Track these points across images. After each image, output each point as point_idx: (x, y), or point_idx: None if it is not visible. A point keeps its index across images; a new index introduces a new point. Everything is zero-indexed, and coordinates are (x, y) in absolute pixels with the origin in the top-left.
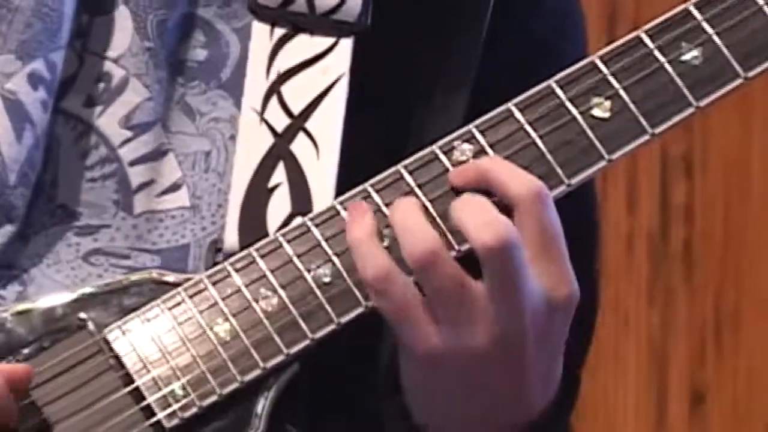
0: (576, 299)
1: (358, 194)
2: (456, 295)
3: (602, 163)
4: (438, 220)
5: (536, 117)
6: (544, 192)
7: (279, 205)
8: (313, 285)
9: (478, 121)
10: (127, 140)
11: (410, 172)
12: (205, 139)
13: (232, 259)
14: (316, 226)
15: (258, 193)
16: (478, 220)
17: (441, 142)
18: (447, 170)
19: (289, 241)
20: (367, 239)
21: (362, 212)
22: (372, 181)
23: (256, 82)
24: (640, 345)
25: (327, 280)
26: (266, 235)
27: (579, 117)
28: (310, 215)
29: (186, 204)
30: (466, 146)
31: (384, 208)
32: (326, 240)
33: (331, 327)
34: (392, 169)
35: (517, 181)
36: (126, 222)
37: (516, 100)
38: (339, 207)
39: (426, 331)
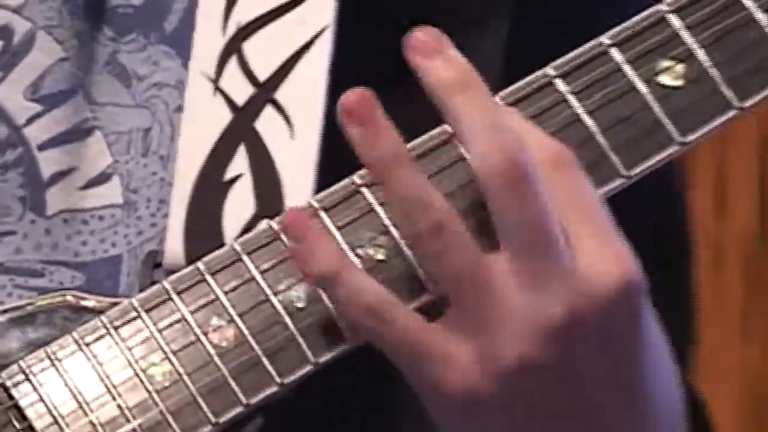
0: (636, 286)
1: (343, 189)
2: (479, 283)
3: (673, 148)
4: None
5: (583, 86)
6: (567, 157)
7: (239, 204)
8: (282, 312)
9: (505, 91)
10: (35, 116)
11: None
12: (144, 111)
13: (173, 277)
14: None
15: (211, 188)
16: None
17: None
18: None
19: (249, 253)
20: (337, 266)
21: (316, 235)
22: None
23: (207, 38)
24: (733, 390)
25: (300, 305)
26: (222, 244)
27: (641, 86)
28: (281, 218)
29: (117, 200)
30: None
31: (377, 207)
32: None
33: (306, 368)
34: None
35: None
36: (36, 226)
37: (556, 63)
38: (317, 204)
39: (452, 364)
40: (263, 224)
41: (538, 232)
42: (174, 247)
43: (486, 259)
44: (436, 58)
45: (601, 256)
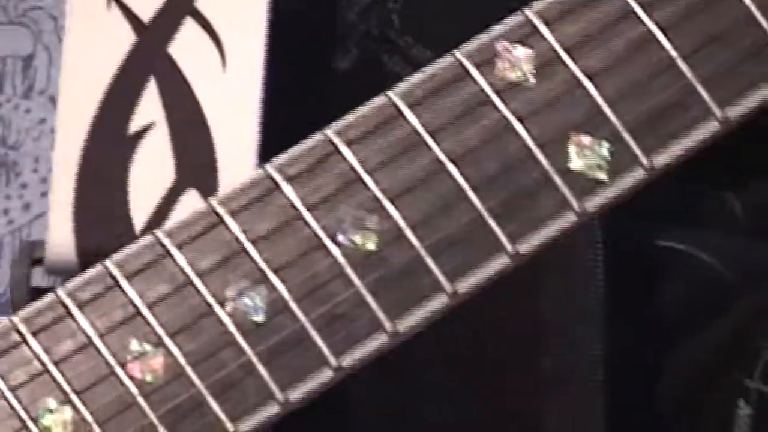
0: None
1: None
2: None
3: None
4: None
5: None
6: None
7: (152, 169)
8: (233, 329)
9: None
10: None
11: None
12: (21, 31)
13: (72, 284)
14: (234, 213)
15: (109, 145)
16: None
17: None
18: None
19: (180, 246)
20: None
21: None
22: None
23: None
24: None
25: (259, 318)
26: (131, 230)
27: None
28: (229, 192)
29: None
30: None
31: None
32: (254, 241)
33: (271, 409)
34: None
35: None
36: None
37: None
38: (274, 172)
39: None
40: (191, 198)
41: None
42: (59, 235)
43: None
44: None
45: None
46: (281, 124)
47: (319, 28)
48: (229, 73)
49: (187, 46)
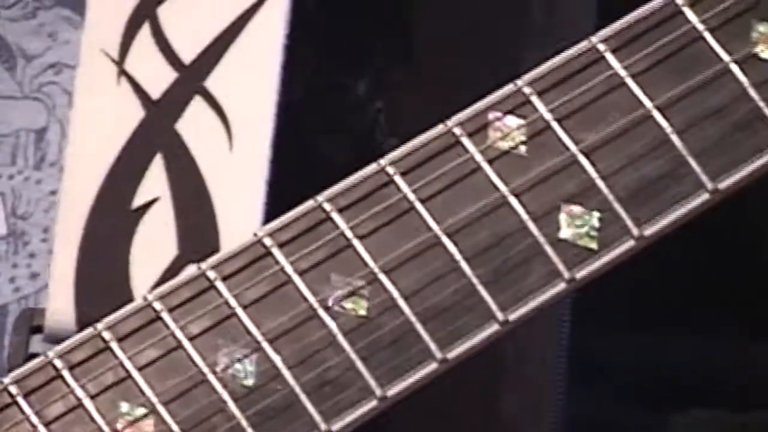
0: None
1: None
2: None
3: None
4: None
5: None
6: None
7: (154, 242)
8: (225, 394)
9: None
10: None
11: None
12: (35, 105)
13: (62, 346)
14: (225, 278)
15: (113, 218)
16: None
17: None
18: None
19: (171, 309)
20: None
21: None
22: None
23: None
24: None
25: (249, 382)
26: (130, 298)
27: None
28: (219, 256)
29: (1, 231)
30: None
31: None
32: (245, 306)
33: None
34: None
35: None
36: None
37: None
38: (266, 237)
39: None
40: (191, 269)
41: None
42: (59, 303)
43: None
44: None
45: None
46: (285, 205)
47: (324, 115)
48: (235, 152)
49: (194, 124)
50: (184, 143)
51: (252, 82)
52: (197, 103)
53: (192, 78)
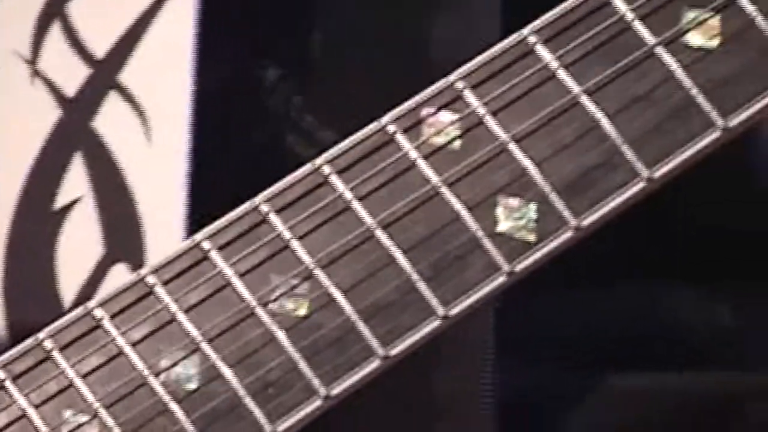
0: None
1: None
2: None
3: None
4: None
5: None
6: None
7: (80, 242)
8: (167, 397)
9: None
10: None
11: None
12: None
13: (4, 356)
14: (165, 283)
15: (36, 221)
16: None
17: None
18: None
19: (113, 316)
20: None
21: None
22: None
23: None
24: None
25: (192, 385)
26: (60, 304)
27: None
28: (159, 261)
29: None
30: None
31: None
32: (186, 310)
33: None
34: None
35: None
36: None
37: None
38: (205, 241)
39: None
40: (127, 276)
41: None
42: None
43: None
44: None
45: None
46: (208, 195)
47: (240, 103)
48: (154, 145)
49: (111, 120)
50: (102, 140)
51: (166, 73)
52: (112, 99)
53: (106, 73)
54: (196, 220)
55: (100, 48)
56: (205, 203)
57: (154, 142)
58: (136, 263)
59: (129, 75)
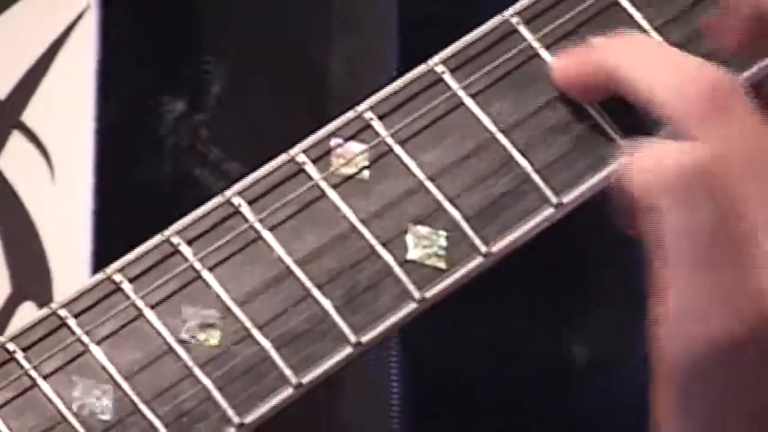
0: None
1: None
2: None
3: None
4: None
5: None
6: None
7: None
8: (82, 431)
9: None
10: None
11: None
12: None
13: None
14: (77, 315)
15: None
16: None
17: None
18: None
19: (25, 349)
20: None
21: None
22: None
23: None
24: None
25: (106, 416)
26: None
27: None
28: (70, 295)
29: None
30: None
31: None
32: (98, 342)
33: None
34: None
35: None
36: None
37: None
38: (115, 273)
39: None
40: (28, 308)
41: None
42: None
43: None
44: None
45: None
46: (114, 231)
47: (143, 137)
48: (57, 184)
49: (15, 159)
50: (7, 180)
51: (68, 110)
52: (16, 138)
53: (8, 113)
54: (102, 257)
55: (1, 88)
56: (111, 239)
57: (57, 180)
58: (44, 301)
59: (31, 114)
